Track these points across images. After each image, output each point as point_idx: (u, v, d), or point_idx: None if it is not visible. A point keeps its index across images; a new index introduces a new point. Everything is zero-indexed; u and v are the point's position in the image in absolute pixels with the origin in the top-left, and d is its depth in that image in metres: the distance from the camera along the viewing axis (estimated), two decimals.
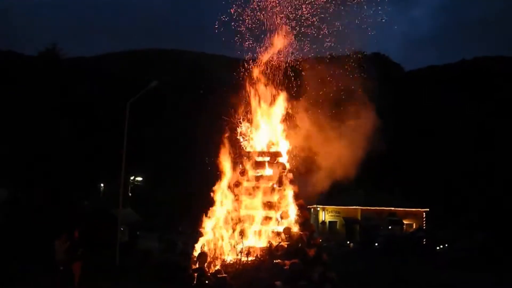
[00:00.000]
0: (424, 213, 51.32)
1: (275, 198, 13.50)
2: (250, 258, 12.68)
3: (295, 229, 13.27)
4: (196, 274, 12.43)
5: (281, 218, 13.30)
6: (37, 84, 42.45)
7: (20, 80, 44.40)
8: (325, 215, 51.49)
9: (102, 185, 46.70)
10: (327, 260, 12.95)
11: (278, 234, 13.00)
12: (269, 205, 13.49)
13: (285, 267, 12.11)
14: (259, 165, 14.12)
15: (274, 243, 12.77)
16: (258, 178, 14.00)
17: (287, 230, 12.99)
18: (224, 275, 12.26)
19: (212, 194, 14.12)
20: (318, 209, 50.59)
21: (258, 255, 12.68)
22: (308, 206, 15.87)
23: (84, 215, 31.12)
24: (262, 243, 13.08)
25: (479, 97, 71.57)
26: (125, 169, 23.32)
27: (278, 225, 13.30)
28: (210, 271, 12.61)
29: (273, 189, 13.62)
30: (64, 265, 15.05)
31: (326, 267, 12.41)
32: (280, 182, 13.54)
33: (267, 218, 13.40)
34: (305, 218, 13.86)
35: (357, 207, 50.78)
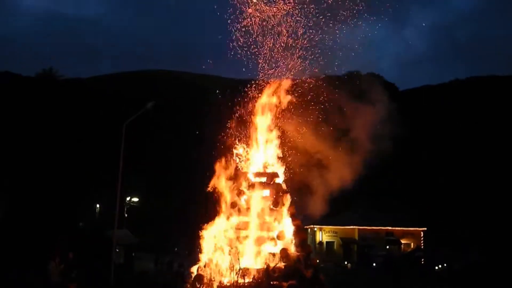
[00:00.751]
0: (421, 232, 51.10)
1: (271, 219, 13.44)
2: (246, 280, 12.56)
3: (292, 250, 13.19)
4: None
5: (278, 239, 13.23)
6: (34, 104, 42.57)
7: (17, 100, 44.48)
8: (322, 235, 51.21)
9: (98, 205, 46.38)
10: (325, 281, 12.83)
11: (275, 255, 12.91)
12: (265, 226, 13.43)
13: None
14: (255, 186, 14.09)
15: (271, 264, 12.67)
16: (254, 199, 13.95)
17: (284, 251, 12.91)
18: None
19: (208, 215, 14.05)
20: (315, 229, 50.34)
21: (255, 277, 12.57)
22: (305, 226, 15.80)
23: (79, 237, 30.83)
24: (259, 264, 12.98)
25: (473, 115, 72.09)
26: (121, 190, 23.23)
27: (274, 246, 13.22)
28: None
29: (269, 210, 13.57)
30: (59, 287, 14.88)
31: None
32: (276, 203, 13.50)
33: (264, 239, 13.32)
34: (302, 238, 13.79)
35: (354, 227, 50.55)
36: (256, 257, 13.20)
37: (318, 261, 14.16)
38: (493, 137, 65.32)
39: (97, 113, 52.82)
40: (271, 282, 12.27)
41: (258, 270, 12.70)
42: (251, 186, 13.99)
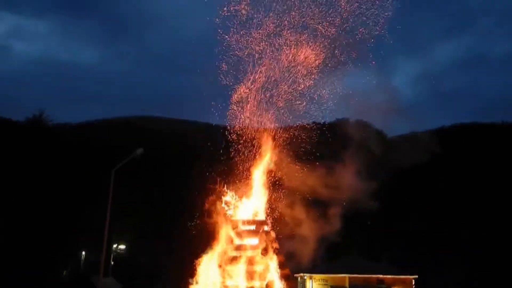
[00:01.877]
0: (413, 280, 50.43)
1: (260, 267, 13.29)
2: None
3: None
4: None
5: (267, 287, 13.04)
6: (23, 150, 42.36)
7: (6, 146, 44.27)
8: (313, 283, 50.21)
9: (83, 252, 45.36)
10: None
11: None
12: (255, 275, 13.25)
13: None
14: (244, 234, 14.00)
15: None
16: (243, 247, 13.84)
17: None
18: None
19: (196, 263, 13.86)
20: (305, 277, 49.41)
21: None
22: (295, 275, 15.62)
23: (63, 285, 30.03)
24: None
25: (459, 162, 72.95)
26: (108, 237, 22.81)
27: None
28: None
29: (258, 258, 13.43)
30: None
31: None
32: (265, 251, 13.39)
33: None
34: None
35: (345, 275, 49.72)
36: None
37: None
38: (479, 183, 65.88)
39: (85, 159, 52.58)
40: None
41: None
42: (240, 234, 13.91)
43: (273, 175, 14.80)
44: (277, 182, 14.93)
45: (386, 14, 15.82)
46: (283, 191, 14.81)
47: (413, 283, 50.73)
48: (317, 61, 15.43)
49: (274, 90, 15.17)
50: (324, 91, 15.67)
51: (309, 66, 15.36)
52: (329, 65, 15.49)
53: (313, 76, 15.53)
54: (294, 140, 15.55)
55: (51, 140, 46.85)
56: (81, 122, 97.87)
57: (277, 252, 13.66)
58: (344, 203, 15.53)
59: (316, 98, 15.71)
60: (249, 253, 13.63)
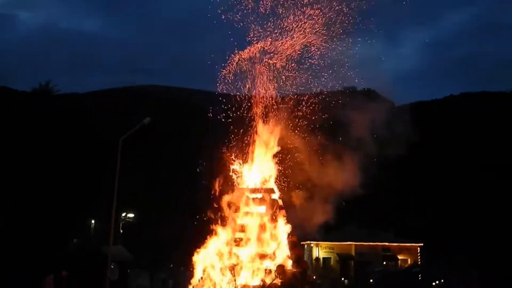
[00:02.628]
0: (418, 248, 50.93)
1: (267, 235, 13.39)
2: None
3: (289, 266, 13.10)
4: None
5: (274, 255, 13.16)
6: (31, 120, 42.52)
7: (14, 116, 44.43)
8: (319, 251, 50.92)
9: (93, 221, 46.05)
10: None
11: (271, 271, 12.82)
12: (262, 243, 13.36)
13: None
14: (251, 201, 14.05)
15: (267, 281, 12.57)
16: (250, 215, 13.91)
17: (280, 267, 12.82)
18: None
19: (204, 231, 13.98)
20: (312, 245, 50.06)
21: None
22: (302, 243, 15.75)
23: (73, 254, 30.56)
24: (255, 281, 12.88)
25: (467, 131, 72.49)
26: (116, 206, 23.07)
27: (271, 262, 13.14)
28: None
29: (266, 226, 13.52)
30: None
31: None
32: (272, 219, 13.46)
33: (260, 256, 13.24)
34: (298, 255, 13.72)
35: (351, 243, 50.33)
36: (252, 274, 13.11)
37: (314, 277, 14.06)
38: (486, 150, 65.60)
39: (93, 128, 52.78)
40: None
41: (254, 287, 12.61)
42: (247, 202, 13.96)
43: (280, 143, 14.74)
44: (284, 152, 14.87)
45: None
46: (289, 162, 14.77)
47: (419, 251, 51.21)
48: (322, 29, 15.15)
49: (277, 58, 14.94)
50: (330, 59, 15.44)
51: (314, 33, 15.09)
52: (335, 32, 15.19)
53: (318, 44, 15.27)
54: (301, 109, 15.41)
55: (58, 110, 46.96)
56: (87, 91, 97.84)
57: (285, 220, 13.73)
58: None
59: (323, 66, 15.49)
60: (256, 221, 13.70)
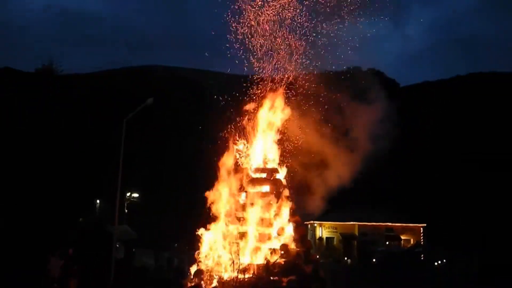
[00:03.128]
0: (421, 228, 51.19)
1: (271, 214, 13.45)
2: (246, 275, 12.59)
3: (292, 245, 13.20)
4: None
5: (278, 234, 13.24)
6: (34, 100, 42.48)
7: (17, 96, 44.41)
8: (322, 231, 51.26)
9: (98, 201, 46.41)
10: (324, 277, 12.85)
11: (275, 250, 12.92)
12: (265, 222, 13.44)
13: (282, 284, 12.02)
14: (255, 181, 14.08)
15: (271, 260, 12.68)
16: (254, 195, 13.95)
17: (284, 246, 12.92)
18: None
19: (208, 211, 14.06)
20: (315, 225, 50.36)
21: (255, 272, 12.60)
22: (305, 222, 15.81)
23: (79, 232, 30.84)
24: (259, 260, 12.99)
25: (474, 112, 72.06)
26: (121, 185, 23.20)
27: (275, 241, 13.23)
28: None
29: (269, 206, 13.57)
30: (59, 282, 15.00)
31: (323, 284, 12.31)
32: (276, 199, 13.50)
33: (264, 235, 13.34)
34: (302, 234, 13.81)
35: (354, 222, 50.60)
36: (256, 253, 13.22)
37: (318, 256, 14.17)
38: (494, 132, 65.29)
39: (97, 108, 52.72)
40: (271, 278, 12.29)
41: (258, 266, 12.72)
42: (251, 181, 14.00)
43: (285, 124, 14.70)
44: (289, 133, 14.84)
45: None
46: (294, 142, 14.74)
47: (422, 231, 51.47)
48: (326, 8, 14.97)
49: (281, 37, 14.79)
50: (335, 39, 15.28)
51: (319, 12, 14.93)
52: (341, 12, 15.01)
53: (323, 23, 15.11)
54: (306, 89, 15.32)
55: (62, 90, 46.86)
56: (92, 72, 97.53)
57: (288, 199, 13.77)
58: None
59: (327, 46, 15.35)
60: (260, 200, 13.75)
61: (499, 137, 64.72)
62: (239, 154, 14.44)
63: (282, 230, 13.26)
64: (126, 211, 41.68)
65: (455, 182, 59.57)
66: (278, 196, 13.56)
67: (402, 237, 50.70)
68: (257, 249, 13.22)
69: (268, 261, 12.67)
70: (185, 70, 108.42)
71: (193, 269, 13.23)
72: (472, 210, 52.04)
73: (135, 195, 45.00)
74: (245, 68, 14.75)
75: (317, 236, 50.52)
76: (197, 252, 13.74)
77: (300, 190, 13.99)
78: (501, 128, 66.35)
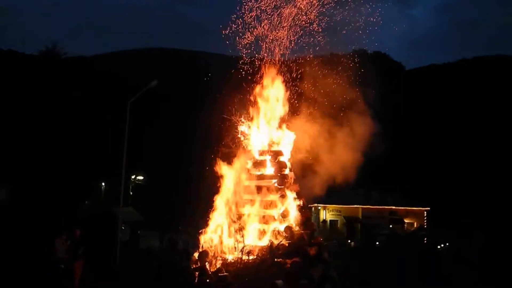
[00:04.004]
0: (425, 212, 51.35)
1: (276, 197, 13.48)
2: (251, 257, 12.68)
3: (296, 228, 13.26)
4: (197, 273, 12.42)
5: (282, 217, 13.29)
6: (38, 83, 42.49)
7: (21, 79, 44.41)
8: (326, 214, 51.51)
9: (103, 183, 46.71)
10: (328, 259, 12.93)
11: (279, 233, 12.99)
12: (270, 204, 13.48)
13: (286, 266, 12.10)
14: (260, 164, 14.09)
15: (275, 242, 12.76)
16: (259, 177, 13.98)
17: (288, 229, 12.98)
18: (225, 273, 12.26)
19: (213, 193, 14.11)
20: (319, 208, 50.60)
21: (259, 254, 12.69)
22: (309, 205, 15.84)
23: (85, 214, 31.15)
24: (263, 242, 13.08)
25: (480, 95, 71.57)
26: (126, 168, 23.35)
27: (279, 224, 13.30)
28: (211, 270, 12.61)
29: (274, 188, 13.60)
30: (65, 263, 15.16)
31: (327, 266, 12.39)
32: (281, 181, 13.52)
33: (268, 217, 13.40)
34: (306, 217, 13.85)
35: (358, 205, 50.81)
36: (260, 235, 13.30)
37: (322, 239, 14.24)
38: (498, 116, 64.94)
39: (102, 91, 52.73)
40: (275, 260, 12.38)
41: (262, 248, 12.81)
42: (255, 164, 14.01)
43: (289, 106, 14.64)
44: (293, 115, 14.78)
45: None
46: (298, 124, 14.69)
47: (425, 215, 51.61)
48: None
49: (284, 18, 14.62)
50: (340, 21, 15.11)
51: None
52: None
53: (327, 6, 14.92)
54: (310, 71, 15.22)
55: (66, 73, 46.82)
56: (95, 54, 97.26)
57: (293, 181, 13.79)
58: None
59: (332, 28, 15.18)
60: (264, 182, 13.78)
61: (503, 120, 64.32)
62: (243, 136, 14.42)
63: (287, 213, 13.30)
64: (131, 193, 42.00)
65: (459, 167, 59.44)
66: (282, 178, 13.57)
67: (406, 221, 50.89)
68: (261, 231, 13.29)
69: (272, 243, 12.75)
70: (188, 52, 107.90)
71: (198, 250, 13.34)
72: (476, 194, 52.02)
73: (140, 177, 45.27)
74: (244, 50, 14.62)
75: (321, 219, 50.80)
76: (201, 233, 13.83)
77: (304, 172, 13.97)
78: (506, 111, 65.88)
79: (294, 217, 13.46)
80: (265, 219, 13.39)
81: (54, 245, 15.68)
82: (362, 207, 50.97)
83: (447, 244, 38.66)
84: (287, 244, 12.69)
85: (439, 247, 38.76)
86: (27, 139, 38.78)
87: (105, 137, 42.53)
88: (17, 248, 21.96)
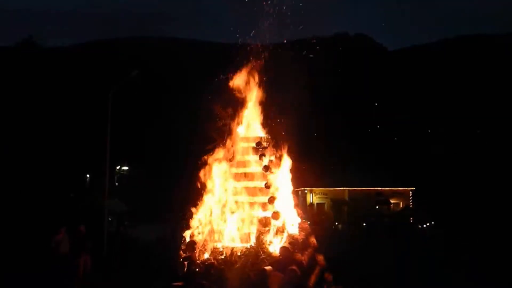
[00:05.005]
0: (410, 192, 51.98)
1: (262, 183, 13.43)
2: (239, 245, 12.66)
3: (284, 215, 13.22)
4: (186, 263, 12.37)
5: (269, 203, 13.25)
6: (16, 75, 41.65)
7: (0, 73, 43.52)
8: (313, 197, 51.85)
9: (88, 176, 46.30)
10: (316, 243, 12.95)
11: (267, 219, 12.96)
12: (256, 191, 13.43)
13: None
14: (246, 150, 14.00)
15: (263, 229, 12.72)
16: (245, 164, 13.90)
17: (276, 215, 12.95)
18: (213, 261, 12.23)
19: (199, 181, 14.00)
20: (306, 191, 50.88)
21: (247, 241, 12.66)
22: (296, 189, 15.79)
23: (77, 208, 30.95)
24: (252, 229, 13.04)
25: (461, 75, 72.22)
26: (110, 159, 23.12)
27: (266, 210, 13.25)
28: (200, 259, 12.57)
29: (260, 174, 13.54)
30: (70, 258, 15.35)
31: (315, 250, 12.42)
32: (266, 167, 13.45)
33: (255, 204, 13.36)
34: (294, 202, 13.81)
35: (344, 188, 51.20)
36: (248, 222, 13.26)
37: (309, 223, 14.27)
38: (481, 94, 65.70)
39: (83, 82, 51.92)
40: (264, 246, 12.37)
41: (249, 235, 12.80)
42: (241, 151, 13.92)
43: (272, 91, 14.51)
44: (274, 101, 14.66)
45: None
46: (281, 110, 14.58)
47: (411, 195, 52.30)
48: None
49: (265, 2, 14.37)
50: (320, 3, 14.92)
51: None
52: None
53: None
54: (290, 56, 15.06)
55: (45, 64, 45.93)
56: (76, 44, 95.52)
57: (279, 168, 13.73)
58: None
59: (312, 11, 14.99)
60: (250, 169, 13.72)
61: (486, 98, 65.13)
62: (229, 123, 14.27)
63: (273, 199, 13.26)
64: (116, 184, 41.69)
65: (444, 146, 60.16)
66: (268, 165, 13.50)
67: (392, 201, 51.48)
68: (249, 218, 13.25)
69: (259, 230, 12.73)
70: (170, 40, 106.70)
71: (185, 240, 13.27)
72: (461, 174, 52.79)
73: (125, 168, 44.97)
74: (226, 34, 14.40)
75: (308, 202, 51.11)
76: (189, 223, 13.75)
77: (291, 157, 13.90)
78: (488, 89, 66.68)
79: (280, 203, 13.34)
80: (252, 206, 13.34)
81: (52, 241, 15.85)
82: (348, 189, 51.40)
83: (433, 223, 39.29)
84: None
85: (424, 226, 39.37)
86: (8, 132, 38.13)
87: (88, 129, 42.02)
88: (11, 244, 21.85)
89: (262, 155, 13.50)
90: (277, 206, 13.28)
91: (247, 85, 14.34)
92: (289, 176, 13.84)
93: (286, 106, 14.44)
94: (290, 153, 13.97)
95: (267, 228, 12.69)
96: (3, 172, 34.74)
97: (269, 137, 14.15)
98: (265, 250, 12.24)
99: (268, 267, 11.53)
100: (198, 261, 12.44)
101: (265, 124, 14.32)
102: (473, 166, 53.41)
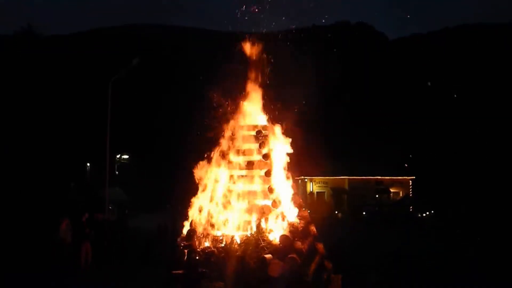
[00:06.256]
0: (410, 181, 52.07)
1: (262, 172, 13.44)
2: (239, 233, 12.71)
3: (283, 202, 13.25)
4: (186, 251, 12.43)
5: (269, 192, 13.28)
6: (16, 64, 41.50)
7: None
8: (313, 186, 51.98)
9: (88, 164, 46.35)
10: (316, 232, 13.00)
11: (266, 208, 13.00)
12: (256, 180, 13.44)
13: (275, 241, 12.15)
14: (246, 139, 14.00)
15: (263, 217, 12.76)
16: (245, 152, 13.90)
17: (275, 203, 12.99)
18: (213, 249, 12.30)
19: (199, 171, 14.02)
20: (306, 180, 50.98)
21: (247, 230, 12.71)
22: (296, 178, 15.81)
23: (72, 196, 31.04)
24: (253, 218, 13.07)
25: (462, 64, 71.94)
26: (110, 148, 23.13)
27: (266, 199, 13.29)
28: (200, 247, 12.63)
29: (260, 163, 13.55)
30: (73, 246, 15.57)
31: (315, 239, 12.48)
32: (266, 156, 13.46)
33: (255, 193, 13.38)
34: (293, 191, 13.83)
35: (344, 177, 51.29)
36: (247, 212, 13.29)
37: (309, 211, 14.31)
38: (482, 84, 65.49)
39: (83, 70, 51.76)
40: (263, 234, 12.42)
41: (249, 223, 12.83)
42: (241, 139, 13.91)
43: (273, 80, 14.48)
44: (274, 89, 14.64)
45: None
46: (281, 98, 14.57)
47: (410, 184, 52.40)
48: None
49: None
50: None
51: None
52: None
53: None
54: (292, 43, 15.01)
55: (44, 53, 45.75)
56: (75, 32, 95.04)
57: (279, 156, 13.74)
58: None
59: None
60: (250, 158, 13.72)
61: (487, 87, 64.96)
62: (229, 112, 14.25)
63: (273, 188, 13.28)
64: (117, 173, 41.74)
65: (444, 135, 60.15)
66: (268, 153, 13.51)
67: (392, 190, 51.63)
68: (248, 207, 13.29)
69: (259, 219, 12.78)
70: (172, 28, 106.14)
71: (186, 228, 13.33)
72: (461, 163, 52.83)
73: (125, 156, 44.98)
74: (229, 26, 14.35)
75: (308, 191, 51.26)
76: (189, 212, 13.80)
77: (291, 146, 13.90)
78: (489, 78, 66.47)
79: (280, 192, 13.38)
80: (252, 195, 13.37)
81: (57, 230, 16.13)
82: (348, 178, 51.51)
83: (433, 212, 39.41)
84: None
85: (424, 215, 39.51)
86: (8, 122, 38.09)
87: (88, 118, 41.99)
88: (13, 235, 22.01)
89: (262, 144, 13.51)
90: (277, 194, 13.33)
91: (247, 73, 14.31)
92: (289, 164, 13.87)
93: (287, 95, 14.42)
94: (290, 142, 13.98)
95: (267, 217, 12.74)
96: (4, 162, 34.79)
97: (270, 125, 14.16)
98: (265, 239, 12.29)
99: (268, 255, 11.59)
100: (198, 250, 12.51)
101: (266, 112, 14.31)
102: (473, 155, 53.46)
